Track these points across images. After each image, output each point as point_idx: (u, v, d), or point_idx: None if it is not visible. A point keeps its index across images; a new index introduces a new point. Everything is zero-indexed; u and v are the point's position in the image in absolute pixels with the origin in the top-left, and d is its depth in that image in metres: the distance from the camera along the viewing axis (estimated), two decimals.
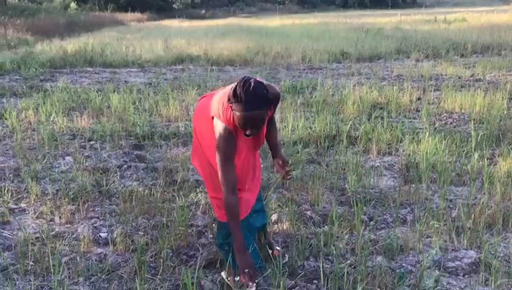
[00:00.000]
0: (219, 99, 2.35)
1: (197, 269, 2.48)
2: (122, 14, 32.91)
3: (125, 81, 9.02)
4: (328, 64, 11.13)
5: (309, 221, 3.31)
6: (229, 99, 2.19)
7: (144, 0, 43.11)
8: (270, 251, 2.79)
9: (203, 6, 51.29)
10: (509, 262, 2.79)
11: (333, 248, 2.89)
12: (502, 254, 2.87)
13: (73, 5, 32.50)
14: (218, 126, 2.30)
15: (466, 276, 2.71)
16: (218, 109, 2.32)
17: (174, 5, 49.00)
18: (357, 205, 3.26)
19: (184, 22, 32.65)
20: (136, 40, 15.86)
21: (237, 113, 2.15)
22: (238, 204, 2.35)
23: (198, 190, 3.78)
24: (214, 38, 16.32)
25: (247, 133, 2.25)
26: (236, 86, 2.15)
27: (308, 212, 3.42)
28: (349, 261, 2.73)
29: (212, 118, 2.35)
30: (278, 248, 2.84)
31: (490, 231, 3.16)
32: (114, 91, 7.38)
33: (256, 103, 2.13)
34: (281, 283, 2.38)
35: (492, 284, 2.56)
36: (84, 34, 19.46)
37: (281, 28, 21.69)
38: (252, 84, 2.13)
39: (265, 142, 2.69)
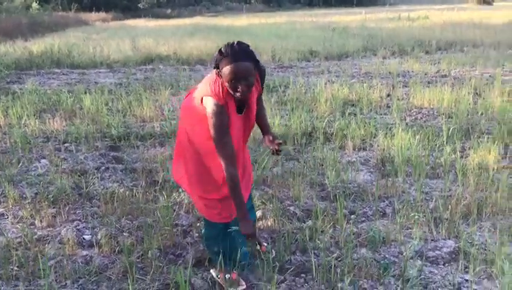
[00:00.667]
0: (204, 82, 2.36)
1: (189, 267, 2.50)
2: (87, 14, 32.22)
3: (95, 82, 8.88)
4: (298, 63, 11.24)
5: (293, 217, 3.37)
6: (216, 63, 2.21)
7: None
8: (258, 247, 2.83)
9: (169, 6, 50.76)
10: (485, 250, 2.92)
11: (318, 241, 2.95)
12: (478, 242, 3.00)
13: (35, 4, 31.59)
14: (209, 103, 2.27)
15: (446, 264, 2.83)
16: (206, 89, 2.30)
17: (139, 5, 48.26)
18: (338, 200, 3.34)
19: (150, 21, 32.25)
20: (103, 40, 15.59)
21: (226, 68, 2.15)
22: (238, 175, 2.33)
23: (180, 190, 3.79)
24: (182, 37, 16.22)
25: (238, 92, 2.22)
26: (220, 49, 2.21)
27: (292, 208, 3.48)
28: (335, 255, 2.81)
29: (202, 101, 2.31)
30: (265, 243, 2.89)
31: (466, 221, 3.29)
32: (85, 92, 7.26)
33: (243, 53, 2.18)
34: (274, 277, 2.42)
35: (471, 271, 2.68)
36: (48, 34, 18.99)
37: (249, 27, 21.73)
38: (236, 41, 2.22)
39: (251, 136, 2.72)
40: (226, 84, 2.21)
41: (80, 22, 27.54)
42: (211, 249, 2.64)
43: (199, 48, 12.65)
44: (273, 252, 2.85)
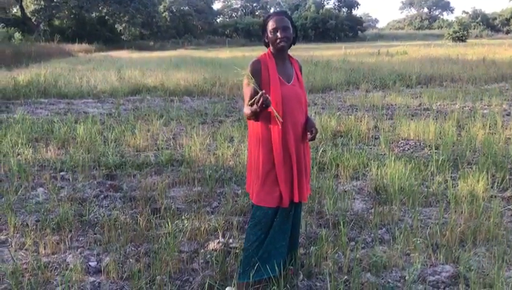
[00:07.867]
0: None
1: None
2: (70, 45, 32.34)
3: (84, 112, 8.91)
4: None
5: None
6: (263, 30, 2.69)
7: (91, 31, 42.72)
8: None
9: (152, 38, 51.31)
10: (484, 274, 3.04)
11: (324, 267, 3.03)
12: (475, 267, 3.12)
13: (17, 35, 31.66)
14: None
15: (447, 288, 2.92)
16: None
17: (122, 36, 48.68)
18: (338, 227, 3.44)
19: (133, 53, 32.56)
20: (89, 71, 15.68)
21: (270, 22, 2.62)
22: None
23: (183, 217, 3.84)
24: (168, 69, 16.39)
25: (278, 40, 2.59)
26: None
27: None
28: (343, 279, 2.89)
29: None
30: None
31: (462, 247, 3.41)
32: (76, 122, 7.30)
33: (284, 12, 2.69)
34: None
35: None
36: (32, 64, 18.95)
37: (233, 59, 22.06)
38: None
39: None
40: (270, 36, 2.62)
41: (64, 53, 27.60)
42: (248, 258, 2.71)
43: (186, 80, 12.82)
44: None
